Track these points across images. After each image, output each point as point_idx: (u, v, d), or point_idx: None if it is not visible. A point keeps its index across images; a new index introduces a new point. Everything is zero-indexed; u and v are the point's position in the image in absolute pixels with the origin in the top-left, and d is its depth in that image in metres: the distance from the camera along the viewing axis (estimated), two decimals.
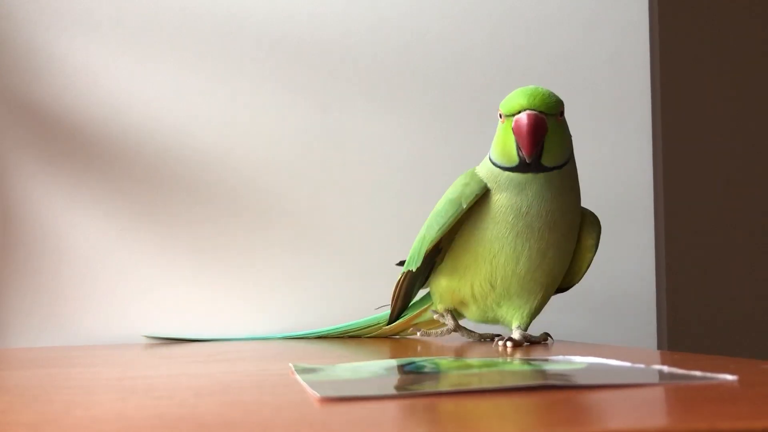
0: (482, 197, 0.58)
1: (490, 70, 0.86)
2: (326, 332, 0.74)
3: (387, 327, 0.70)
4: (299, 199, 0.81)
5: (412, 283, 0.65)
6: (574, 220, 0.58)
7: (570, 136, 0.57)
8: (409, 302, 0.67)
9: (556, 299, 0.85)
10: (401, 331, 0.71)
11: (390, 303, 0.70)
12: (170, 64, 0.79)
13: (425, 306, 0.68)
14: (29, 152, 0.76)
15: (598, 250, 0.88)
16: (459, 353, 0.51)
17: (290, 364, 0.46)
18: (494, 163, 0.57)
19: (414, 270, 0.62)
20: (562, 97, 0.87)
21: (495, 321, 0.63)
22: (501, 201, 0.57)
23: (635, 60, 0.89)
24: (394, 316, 0.67)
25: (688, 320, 0.90)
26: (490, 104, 0.86)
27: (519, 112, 0.54)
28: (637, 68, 0.89)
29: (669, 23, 0.90)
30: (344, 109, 0.83)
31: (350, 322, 0.74)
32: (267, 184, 0.81)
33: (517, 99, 0.55)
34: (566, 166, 0.56)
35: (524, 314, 0.60)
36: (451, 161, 0.84)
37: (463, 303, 0.62)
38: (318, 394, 0.33)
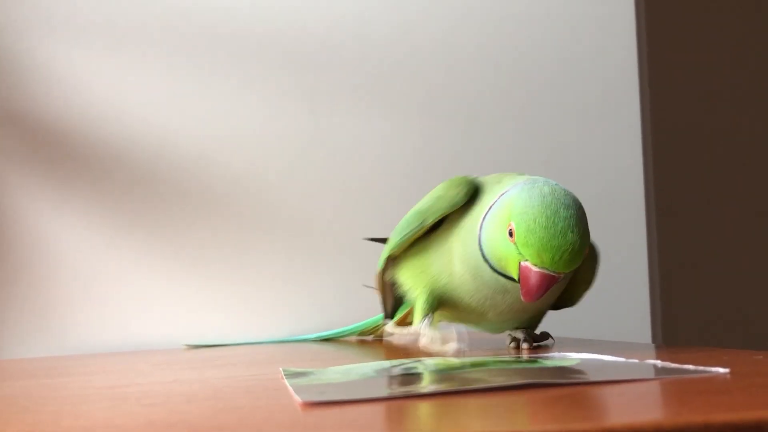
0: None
1: (479, 68, 0.86)
2: (329, 335, 0.73)
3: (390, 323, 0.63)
4: (290, 201, 0.81)
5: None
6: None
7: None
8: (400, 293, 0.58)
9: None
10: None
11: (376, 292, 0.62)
12: (156, 69, 0.79)
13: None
14: (15, 160, 0.76)
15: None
16: (453, 353, 0.50)
17: (280, 369, 0.45)
18: (485, 257, 0.48)
19: (378, 269, 0.57)
20: (550, 94, 0.87)
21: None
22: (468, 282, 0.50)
23: (623, 56, 0.89)
24: (388, 312, 0.60)
25: (682, 313, 0.90)
26: (479, 102, 0.86)
27: (535, 265, 0.44)
28: (625, 64, 0.89)
29: (656, 18, 0.90)
30: (332, 109, 0.82)
31: (351, 326, 0.72)
32: (257, 187, 0.80)
33: (538, 251, 0.43)
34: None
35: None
36: (442, 160, 0.84)
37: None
38: (300, 399, 0.32)
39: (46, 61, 0.77)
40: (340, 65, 0.83)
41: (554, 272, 0.44)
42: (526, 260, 0.44)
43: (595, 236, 0.88)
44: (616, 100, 0.89)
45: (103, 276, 0.76)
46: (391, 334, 0.54)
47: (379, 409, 0.30)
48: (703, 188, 0.91)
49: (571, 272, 0.46)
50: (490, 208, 0.48)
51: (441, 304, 0.53)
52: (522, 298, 0.45)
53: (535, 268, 0.44)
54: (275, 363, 0.53)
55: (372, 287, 0.64)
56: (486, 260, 0.48)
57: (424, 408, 0.30)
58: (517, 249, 0.45)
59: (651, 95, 0.90)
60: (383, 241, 0.69)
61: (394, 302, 0.60)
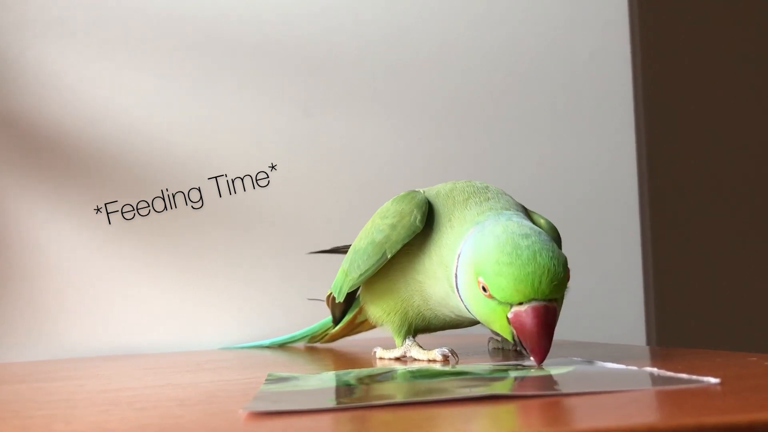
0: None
1: (472, 68, 0.86)
2: (276, 342, 0.71)
3: (335, 330, 0.64)
4: (283, 203, 0.81)
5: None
6: None
7: None
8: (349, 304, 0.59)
9: None
10: (351, 331, 0.65)
11: (325, 303, 0.62)
12: (148, 71, 0.79)
13: (356, 310, 0.60)
14: (8, 163, 0.75)
15: (586, 247, 0.87)
16: (445, 359, 0.50)
17: (267, 373, 0.45)
18: (466, 305, 0.45)
19: (337, 301, 0.56)
20: (544, 95, 0.87)
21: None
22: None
23: (617, 56, 0.89)
24: (337, 319, 0.61)
25: (676, 314, 0.90)
26: (473, 102, 0.86)
27: (521, 303, 0.40)
28: (618, 64, 0.89)
29: (649, 18, 0.90)
30: (326, 110, 0.82)
31: (300, 331, 0.69)
32: (249, 188, 0.80)
33: (515, 283, 0.40)
34: None
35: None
36: (436, 161, 0.84)
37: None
38: (243, 409, 0.32)
39: (39, 62, 0.76)
40: (334, 66, 0.83)
41: (544, 300, 0.40)
42: (510, 307, 0.41)
43: (589, 238, 0.88)
44: (610, 101, 0.89)
45: (94, 279, 0.76)
46: (381, 359, 0.53)
47: (322, 420, 0.29)
48: (698, 188, 0.91)
49: (561, 300, 0.42)
50: (457, 265, 0.45)
51: (417, 323, 0.52)
52: (534, 358, 0.41)
53: (523, 308, 0.40)
54: (268, 366, 0.53)
55: (318, 299, 0.65)
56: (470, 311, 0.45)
57: (377, 418, 0.30)
58: (497, 300, 0.41)
59: (645, 96, 0.90)
60: (334, 252, 0.68)
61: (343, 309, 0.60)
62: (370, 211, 0.85)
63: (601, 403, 0.30)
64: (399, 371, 0.44)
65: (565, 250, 0.87)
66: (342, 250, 0.68)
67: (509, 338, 0.42)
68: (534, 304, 0.40)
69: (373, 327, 0.62)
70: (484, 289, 0.42)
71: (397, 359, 0.52)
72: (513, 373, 0.40)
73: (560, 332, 0.88)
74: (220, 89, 0.80)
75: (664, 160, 0.90)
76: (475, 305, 0.43)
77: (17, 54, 0.76)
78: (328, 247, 0.76)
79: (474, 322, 0.51)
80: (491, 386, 0.36)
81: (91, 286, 0.76)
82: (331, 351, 0.64)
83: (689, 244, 0.91)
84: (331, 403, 0.33)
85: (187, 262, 0.78)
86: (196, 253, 0.78)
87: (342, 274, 0.55)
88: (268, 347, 0.73)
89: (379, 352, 0.54)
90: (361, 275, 0.51)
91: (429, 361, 0.49)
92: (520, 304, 0.40)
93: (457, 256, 0.45)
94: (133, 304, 0.77)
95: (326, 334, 0.66)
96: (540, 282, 0.40)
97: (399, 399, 0.33)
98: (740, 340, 0.92)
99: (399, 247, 0.49)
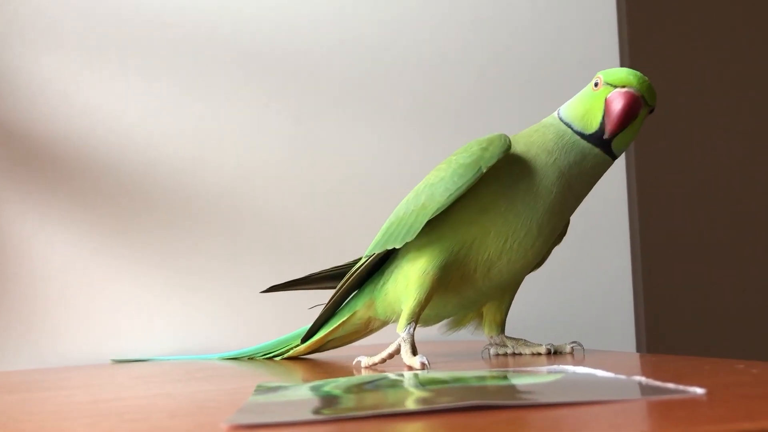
0: (504, 162, 0.52)
1: (463, 75, 0.86)
2: (233, 355, 0.68)
3: (302, 346, 0.62)
4: (275, 212, 0.81)
5: (368, 273, 0.56)
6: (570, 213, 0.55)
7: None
8: (342, 302, 0.58)
9: (534, 303, 0.86)
10: (318, 349, 0.63)
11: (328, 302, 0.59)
12: (140, 78, 0.79)
13: (347, 316, 0.59)
14: None
15: (576, 254, 0.88)
16: (423, 366, 0.49)
17: (257, 384, 0.45)
18: (565, 122, 0.53)
19: (399, 246, 0.53)
20: (533, 100, 0.88)
21: (462, 321, 0.58)
22: (541, 163, 0.52)
23: (606, 59, 0.90)
24: (314, 330, 0.60)
25: (666, 321, 0.90)
26: (463, 109, 0.86)
27: (623, 87, 0.51)
28: (607, 67, 0.89)
29: (637, 23, 0.90)
30: (317, 118, 0.82)
31: (258, 345, 0.67)
32: (241, 197, 0.80)
33: (626, 74, 0.52)
34: (615, 160, 0.54)
35: (503, 311, 0.57)
36: (426, 168, 0.85)
37: (436, 292, 0.53)
38: (226, 422, 0.32)
39: (30, 69, 0.76)
40: (324, 73, 0.83)
41: (638, 92, 0.51)
42: (617, 87, 0.51)
43: (579, 245, 0.89)
44: None
45: (86, 289, 0.76)
46: (369, 365, 0.52)
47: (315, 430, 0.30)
48: (687, 196, 0.92)
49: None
50: (558, 112, 0.54)
51: (447, 278, 0.52)
52: (608, 127, 0.51)
53: (623, 89, 0.51)
54: (260, 376, 0.52)
55: (319, 305, 0.64)
56: (566, 123, 0.53)
57: (361, 430, 0.30)
58: (608, 83, 0.51)
59: None
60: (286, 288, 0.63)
61: (328, 318, 0.59)
62: (362, 214, 0.85)
63: (589, 413, 0.30)
64: (388, 379, 0.44)
65: (555, 256, 0.89)
66: (293, 285, 0.63)
67: (599, 119, 0.51)
68: (630, 89, 0.51)
69: (342, 345, 0.62)
70: (596, 84, 0.52)
71: (390, 356, 0.52)
72: (503, 382, 0.40)
73: (550, 338, 0.89)
74: (212, 97, 0.80)
75: (654, 166, 0.91)
76: (581, 103, 0.53)
77: (8, 61, 0.76)
78: (321, 251, 0.76)
79: (500, 291, 0.55)
80: (480, 395, 0.36)
81: (82, 296, 0.76)
82: (326, 359, 0.64)
83: (679, 251, 0.91)
84: (316, 414, 0.32)
85: (178, 271, 0.78)
86: (187, 262, 0.78)
87: (411, 215, 0.53)
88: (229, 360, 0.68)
89: (364, 361, 0.53)
90: (450, 195, 0.51)
91: (409, 367, 0.49)
92: (623, 87, 0.51)
93: (556, 112, 0.55)
94: (125, 312, 0.77)
95: (289, 350, 0.64)
96: (642, 83, 0.51)
97: (385, 410, 0.33)
98: (728, 346, 0.93)
99: (494, 161, 0.51)
